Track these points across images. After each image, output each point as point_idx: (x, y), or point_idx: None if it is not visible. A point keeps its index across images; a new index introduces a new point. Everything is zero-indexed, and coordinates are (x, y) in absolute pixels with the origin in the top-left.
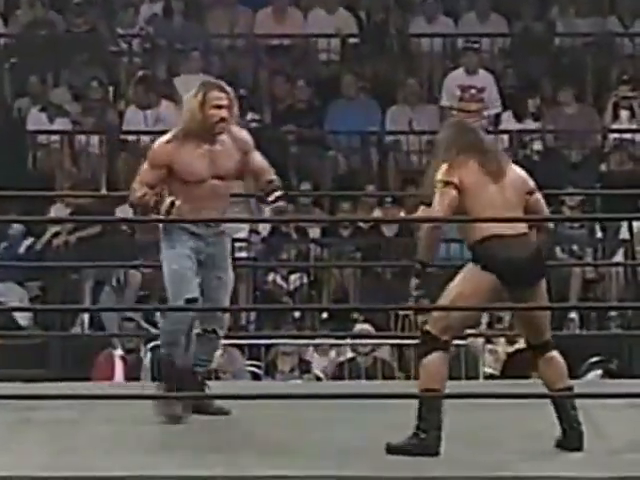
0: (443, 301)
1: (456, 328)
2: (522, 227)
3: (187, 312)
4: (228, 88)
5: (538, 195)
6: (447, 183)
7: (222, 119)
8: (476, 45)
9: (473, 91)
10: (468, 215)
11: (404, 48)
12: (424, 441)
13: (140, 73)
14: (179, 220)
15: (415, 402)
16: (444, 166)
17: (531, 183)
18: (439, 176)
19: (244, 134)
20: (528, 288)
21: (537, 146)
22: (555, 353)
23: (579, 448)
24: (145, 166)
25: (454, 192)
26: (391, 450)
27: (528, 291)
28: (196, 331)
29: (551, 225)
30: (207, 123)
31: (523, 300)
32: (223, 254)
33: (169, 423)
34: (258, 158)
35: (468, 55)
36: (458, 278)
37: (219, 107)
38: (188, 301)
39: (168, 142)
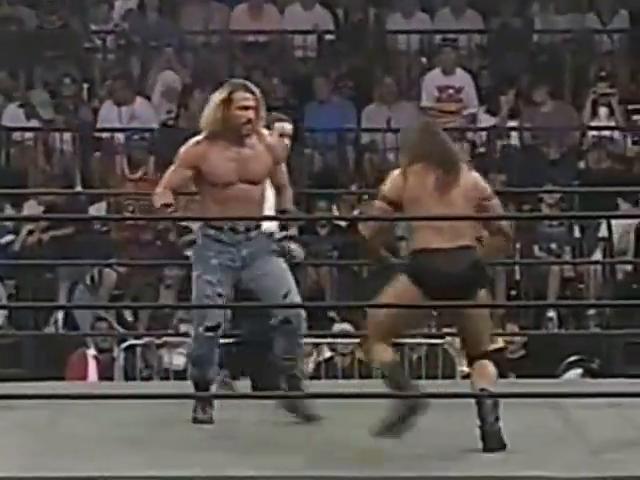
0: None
1: (393, 335)
2: (464, 240)
3: (212, 338)
4: (255, 89)
5: (494, 201)
6: (383, 197)
7: (248, 120)
8: (454, 43)
9: (451, 91)
10: (409, 226)
11: (381, 45)
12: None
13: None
14: (166, 218)
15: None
16: (392, 174)
17: (487, 190)
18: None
19: (278, 141)
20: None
21: (514, 141)
22: (489, 363)
23: (501, 448)
24: (172, 167)
25: (382, 205)
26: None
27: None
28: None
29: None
30: (232, 124)
31: (453, 314)
32: (261, 250)
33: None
34: (283, 174)
35: (446, 52)
36: (387, 290)
37: (245, 108)
38: (208, 329)
39: (198, 143)
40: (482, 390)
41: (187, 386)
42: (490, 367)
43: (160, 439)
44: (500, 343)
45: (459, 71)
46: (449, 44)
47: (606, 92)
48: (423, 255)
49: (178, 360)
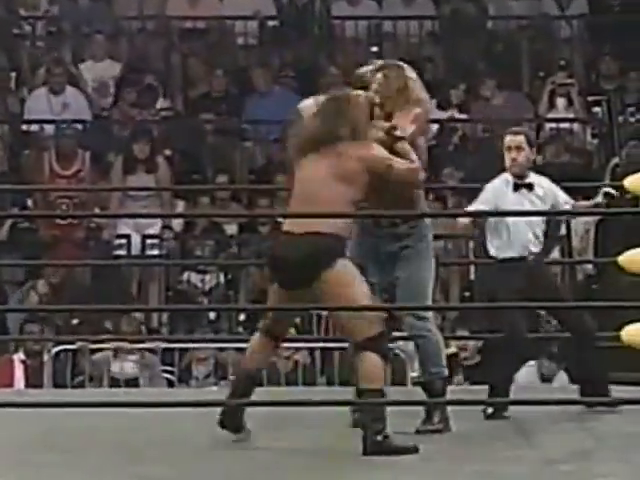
0: None
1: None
2: (316, 225)
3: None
4: None
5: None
6: None
7: None
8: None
9: None
10: None
11: (327, 32)
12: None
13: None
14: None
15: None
16: None
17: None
18: None
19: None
20: (300, 289)
21: (466, 135)
22: (368, 356)
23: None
24: None
25: None
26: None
27: (303, 292)
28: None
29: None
30: None
31: (300, 300)
32: (406, 252)
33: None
34: None
35: None
36: None
37: None
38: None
39: None
40: (361, 392)
41: (133, 393)
42: (367, 362)
43: (90, 448)
44: (452, 349)
45: None
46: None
47: (565, 82)
48: (276, 239)
49: (129, 368)
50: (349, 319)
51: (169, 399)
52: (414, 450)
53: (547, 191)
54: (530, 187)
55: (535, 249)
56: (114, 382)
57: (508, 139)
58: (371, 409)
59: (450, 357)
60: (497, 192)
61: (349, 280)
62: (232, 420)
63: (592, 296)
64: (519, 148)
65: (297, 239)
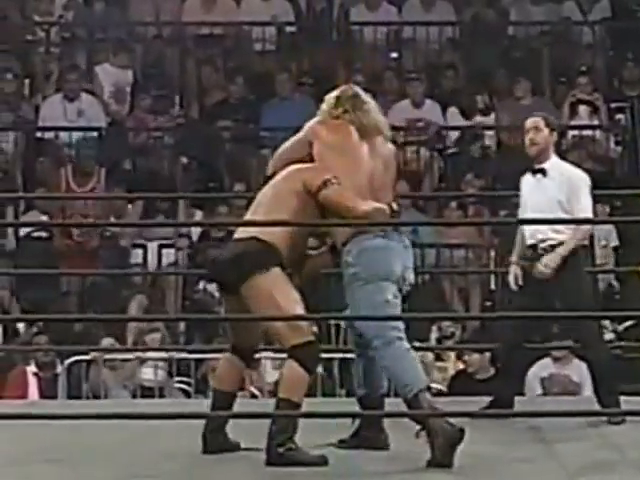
0: None
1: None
2: (247, 230)
3: None
4: None
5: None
6: None
7: None
8: (420, 75)
9: (420, 124)
10: None
11: (345, 37)
12: None
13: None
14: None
15: None
16: None
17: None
18: None
19: None
20: (229, 294)
21: (489, 142)
22: (291, 365)
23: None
24: None
25: None
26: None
27: (231, 298)
28: None
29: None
30: None
31: (231, 307)
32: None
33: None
34: None
35: (414, 86)
36: None
37: None
38: None
39: None
40: (280, 401)
41: (146, 404)
42: (290, 372)
43: (94, 461)
44: (459, 365)
45: (428, 102)
46: (416, 77)
47: (587, 88)
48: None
49: (149, 374)
50: (276, 326)
51: (184, 410)
52: (322, 462)
53: (564, 179)
54: (543, 172)
55: (543, 235)
56: (145, 391)
57: (527, 122)
58: (280, 420)
59: (460, 373)
60: (524, 180)
61: (274, 287)
62: (215, 442)
63: (614, 306)
64: (537, 128)
65: (231, 244)
